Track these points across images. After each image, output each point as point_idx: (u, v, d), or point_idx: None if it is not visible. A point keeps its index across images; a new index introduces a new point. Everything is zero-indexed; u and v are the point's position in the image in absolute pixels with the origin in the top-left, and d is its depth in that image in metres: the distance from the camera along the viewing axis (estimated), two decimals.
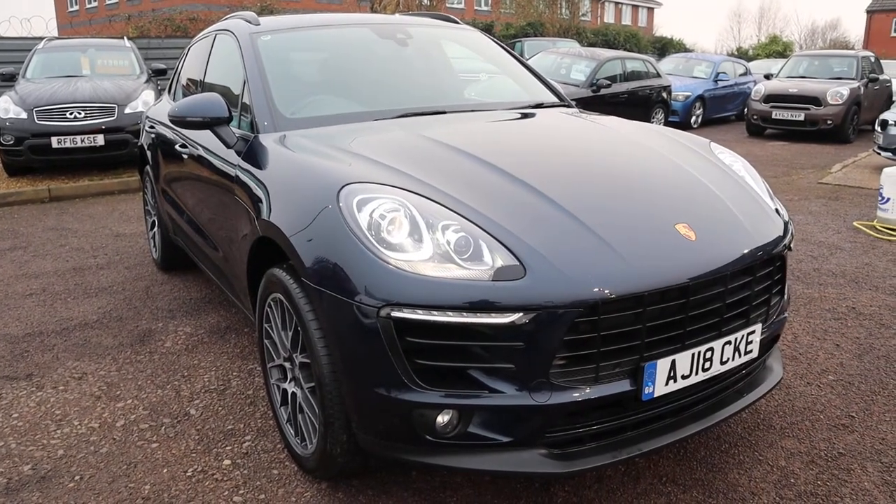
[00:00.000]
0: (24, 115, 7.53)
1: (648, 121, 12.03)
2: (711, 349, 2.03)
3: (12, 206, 7.13)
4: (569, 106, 3.44)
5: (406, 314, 1.80)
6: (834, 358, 3.33)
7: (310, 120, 2.81)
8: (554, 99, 3.48)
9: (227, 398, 3.02)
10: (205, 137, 3.13)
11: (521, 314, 1.79)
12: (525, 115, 3.13)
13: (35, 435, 2.75)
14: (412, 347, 1.84)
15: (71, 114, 7.60)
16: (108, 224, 6.34)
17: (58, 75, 8.57)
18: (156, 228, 4.73)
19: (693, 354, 1.99)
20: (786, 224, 2.39)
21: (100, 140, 7.69)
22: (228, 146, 2.87)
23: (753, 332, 2.14)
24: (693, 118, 13.66)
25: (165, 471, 2.49)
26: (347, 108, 2.97)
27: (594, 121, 3.05)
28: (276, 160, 2.54)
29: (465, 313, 1.79)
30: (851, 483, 2.35)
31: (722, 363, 2.07)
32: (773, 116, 11.93)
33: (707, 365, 2.04)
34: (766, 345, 2.34)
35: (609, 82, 10.81)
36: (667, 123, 12.74)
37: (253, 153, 2.70)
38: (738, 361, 2.13)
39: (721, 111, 14.54)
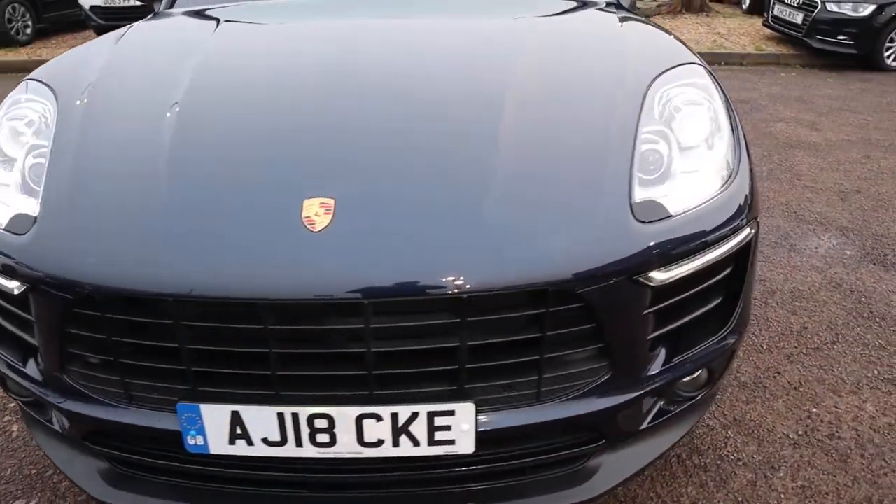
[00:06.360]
0: None
1: None
2: (329, 417, 1.20)
3: None
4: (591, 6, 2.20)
5: None
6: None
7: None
8: None
9: None
10: None
11: (17, 282, 1.28)
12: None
13: None
14: None
15: None
16: None
17: None
18: None
19: (292, 415, 1.21)
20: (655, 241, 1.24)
21: None
22: None
23: (452, 412, 1.20)
24: None
25: None
26: None
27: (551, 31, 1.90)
28: None
29: None
30: None
31: (365, 443, 1.22)
32: None
33: (324, 439, 1.22)
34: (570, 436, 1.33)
35: None
36: None
37: None
38: (417, 451, 1.23)
39: None
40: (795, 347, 2.39)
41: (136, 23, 2.26)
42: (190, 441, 1.25)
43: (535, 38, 1.78)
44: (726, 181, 1.41)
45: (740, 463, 1.87)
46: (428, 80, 1.57)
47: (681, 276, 1.29)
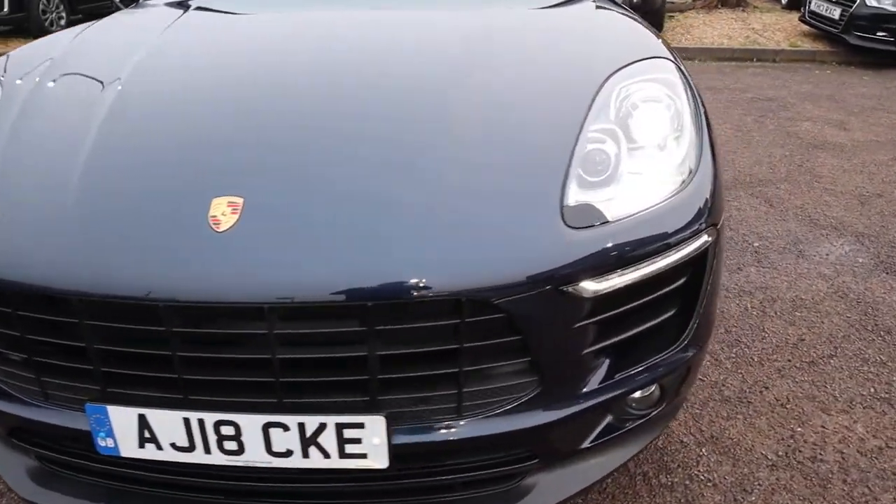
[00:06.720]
0: None
1: None
2: (235, 424, 1.15)
3: None
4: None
5: None
6: None
7: None
8: None
9: None
10: None
11: None
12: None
13: None
14: None
15: None
16: None
17: None
18: None
19: (198, 420, 1.16)
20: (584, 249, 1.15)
21: None
22: None
23: (361, 424, 1.14)
24: None
25: None
26: None
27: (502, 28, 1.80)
28: None
29: None
30: None
31: (273, 453, 1.17)
32: None
33: (233, 446, 1.17)
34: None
35: None
36: None
37: None
38: (329, 463, 1.18)
39: None
40: (789, 361, 2.26)
41: (116, 13, 2.24)
42: (100, 443, 1.22)
43: (498, 34, 1.70)
44: (681, 186, 1.31)
45: (710, 484, 1.77)
46: (370, 78, 1.50)
47: (620, 286, 1.20)
